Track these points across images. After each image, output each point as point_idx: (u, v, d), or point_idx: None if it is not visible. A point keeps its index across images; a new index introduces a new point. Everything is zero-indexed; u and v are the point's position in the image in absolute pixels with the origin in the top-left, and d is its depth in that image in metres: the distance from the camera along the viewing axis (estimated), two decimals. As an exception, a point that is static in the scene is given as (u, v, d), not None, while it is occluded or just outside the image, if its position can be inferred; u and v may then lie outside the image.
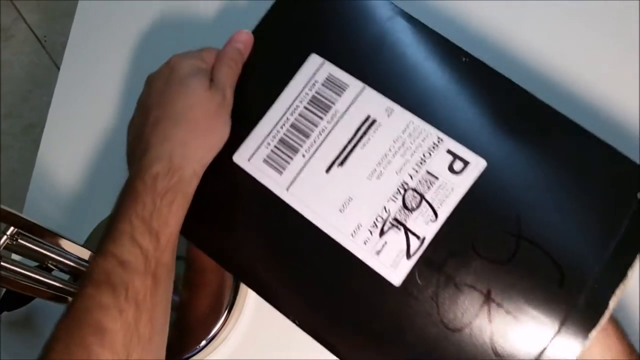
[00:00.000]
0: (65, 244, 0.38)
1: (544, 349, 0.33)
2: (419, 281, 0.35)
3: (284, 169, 0.39)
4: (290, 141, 0.39)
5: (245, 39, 0.42)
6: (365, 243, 0.36)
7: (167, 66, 0.41)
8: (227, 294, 0.47)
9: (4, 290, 0.46)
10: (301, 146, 0.39)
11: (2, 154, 1.28)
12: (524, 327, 0.33)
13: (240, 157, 0.40)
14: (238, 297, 0.47)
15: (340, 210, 0.37)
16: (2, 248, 0.34)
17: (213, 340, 0.46)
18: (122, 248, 0.34)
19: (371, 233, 0.36)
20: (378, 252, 0.36)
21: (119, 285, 0.33)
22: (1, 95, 1.32)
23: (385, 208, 0.37)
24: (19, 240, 0.35)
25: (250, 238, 0.39)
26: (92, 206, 0.53)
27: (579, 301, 0.33)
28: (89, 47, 0.59)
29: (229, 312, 0.46)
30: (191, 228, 0.38)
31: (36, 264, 0.41)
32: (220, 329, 0.46)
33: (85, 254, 0.40)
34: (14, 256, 0.40)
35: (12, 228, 0.35)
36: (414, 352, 0.35)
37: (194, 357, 0.46)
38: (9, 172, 1.27)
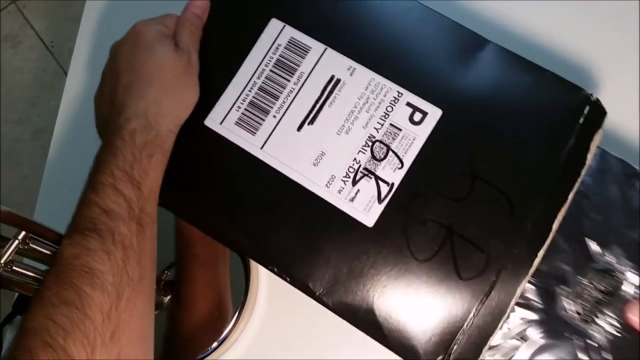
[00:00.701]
0: (76, 248, 0.38)
1: (500, 270, 0.37)
2: (389, 221, 0.39)
3: (256, 130, 0.41)
4: (261, 103, 0.42)
5: (201, 4, 0.44)
6: (339, 192, 0.40)
7: (132, 33, 0.43)
8: (229, 295, 0.47)
9: (17, 294, 0.46)
10: (271, 107, 0.41)
11: (12, 160, 1.29)
12: (482, 252, 0.37)
13: (212, 121, 0.42)
14: (248, 298, 0.47)
15: (314, 165, 0.40)
16: (14, 252, 0.34)
17: (224, 342, 0.46)
18: (105, 197, 0.35)
19: (344, 183, 0.40)
20: (352, 199, 0.39)
21: (105, 231, 0.34)
22: (10, 101, 1.33)
23: (355, 159, 0.40)
24: (31, 245, 0.35)
25: (227, 197, 0.41)
26: (101, 210, 0.53)
27: (526, 227, 0.37)
28: (95, 51, 0.59)
29: (240, 313, 0.46)
30: (166, 195, 0.39)
31: (48, 267, 0.41)
32: (232, 330, 0.46)
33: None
34: (26, 260, 0.40)
35: (23, 232, 0.35)
36: (389, 284, 0.38)
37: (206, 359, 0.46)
38: (20, 178, 1.28)
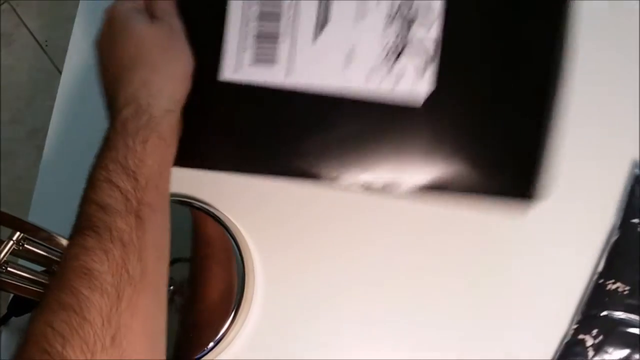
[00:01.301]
0: (71, 248, 0.38)
1: None
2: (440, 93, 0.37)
3: (274, 59, 0.39)
4: (266, 31, 0.39)
5: None
6: (381, 80, 0.38)
7: (105, 23, 0.41)
8: (235, 292, 0.47)
9: (12, 295, 0.46)
10: (278, 31, 0.39)
11: (6, 160, 1.29)
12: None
13: (227, 73, 0.40)
14: (245, 298, 0.47)
15: (346, 66, 0.38)
16: (8, 253, 0.34)
17: (220, 342, 0.46)
18: (100, 192, 0.34)
19: (383, 70, 0.38)
20: (397, 81, 0.38)
21: (102, 227, 0.33)
22: (4, 101, 1.32)
23: (385, 42, 0.38)
24: (25, 245, 0.35)
25: (276, 136, 0.39)
26: (97, 210, 0.53)
27: None
28: (89, 51, 0.59)
29: (236, 312, 0.46)
30: (219, 157, 0.39)
31: (43, 268, 0.41)
32: (227, 330, 0.46)
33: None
34: (21, 261, 0.40)
35: (18, 233, 0.35)
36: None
37: (203, 359, 0.46)
38: (15, 178, 1.28)
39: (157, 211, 0.36)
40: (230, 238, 0.49)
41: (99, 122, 0.56)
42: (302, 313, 0.48)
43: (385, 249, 0.48)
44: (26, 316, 0.47)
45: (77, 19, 0.60)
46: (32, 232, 0.35)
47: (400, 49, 0.37)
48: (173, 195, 0.52)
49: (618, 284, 0.43)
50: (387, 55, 0.38)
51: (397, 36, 0.37)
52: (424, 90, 0.37)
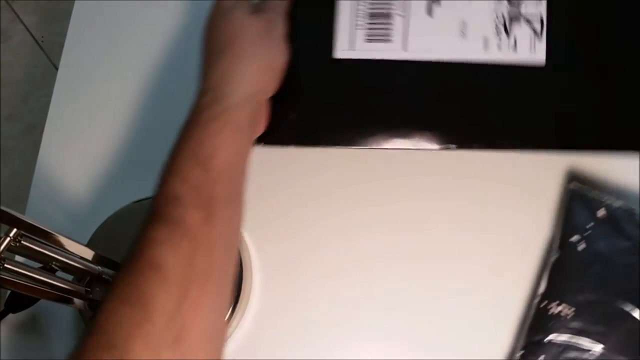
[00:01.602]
0: (69, 245, 0.38)
1: None
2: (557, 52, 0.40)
3: (389, 36, 0.42)
4: (379, 10, 0.41)
5: None
6: (499, 48, 0.41)
7: (213, 5, 0.42)
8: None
9: (9, 292, 0.46)
10: (392, 8, 0.41)
11: (3, 157, 1.28)
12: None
13: (342, 51, 0.42)
14: (241, 297, 0.47)
15: (462, 37, 0.41)
16: (5, 250, 0.34)
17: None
18: (172, 183, 0.33)
19: (499, 37, 0.41)
20: (514, 48, 0.41)
21: (172, 220, 0.32)
22: (1, 97, 1.32)
23: (496, 11, 0.41)
24: (22, 242, 0.35)
25: (405, 110, 0.42)
26: (94, 206, 0.53)
27: None
28: (86, 47, 0.59)
29: (233, 309, 0.46)
30: (349, 133, 0.41)
31: (40, 265, 0.41)
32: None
33: (88, 254, 0.40)
34: (18, 258, 0.40)
35: (15, 230, 0.34)
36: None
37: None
38: (11, 175, 1.27)
39: (230, 204, 0.35)
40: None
41: (95, 119, 0.57)
42: (300, 309, 0.48)
43: (385, 244, 0.48)
44: (24, 312, 0.47)
45: (73, 15, 0.60)
46: (29, 228, 0.35)
47: (510, 22, 0.41)
48: (170, 191, 0.52)
49: (562, 307, 0.41)
50: (498, 27, 0.41)
51: (508, 11, 0.41)
52: (540, 57, 0.41)
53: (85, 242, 0.50)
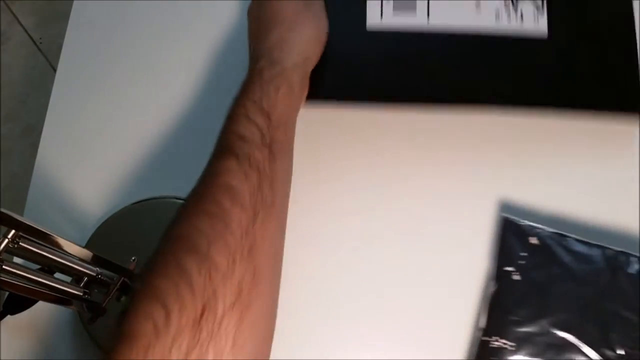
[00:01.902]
0: (67, 246, 0.38)
1: None
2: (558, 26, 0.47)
3: (414, 7, 0.48)
4: None
5: None
6: (508, 20, 0.47)
7: None
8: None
9: (7, 294, 0.46)
10: None
11: (2, 158, 1.28)
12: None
13: (373, 23, 0.48)
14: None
15: (477, 11, 0.48)
16: (3, 252, 0.34)
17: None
18: (240, 125, 0.38)
19: (508, 11, 0.47)
20: (521, 20, 0.47)
21: (242, 154, 0.37)
22: (0, 99, 1.31)
23: None
24: (21, 244, 0.35)
25: (428, 81, 0.48)
26: (92, 207, 0.53)
27: None
28: (84, 48, 0.59)
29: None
30: (367, 91, 0.48)
31: (38, 266, 0.41)
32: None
33: (87, 255, 0.40)
34: (16, 259, 0.40)
35: (13, 231, 0.34)
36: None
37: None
38: (10, 176, 1.27)
39: (285, 150, 0.40)
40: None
41: (93, 120, 0.57)
42: (300, 309, 0.48)
43: (385, 245, 0.48)
44: (22, 314, 0.47)
45: (71, 17, 0.60)
46: (28, 230, 0.35)
47: None
48: (170, 194, 0.52)
49: (502, 341, 0.41)
50: (507, 2, 0.48)
51: None
52: (543, 28, 0.47)
53: (84, 244, 0.50)
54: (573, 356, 0.40)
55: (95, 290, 0.42)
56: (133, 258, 0.43)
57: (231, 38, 0.57)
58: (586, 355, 0.40)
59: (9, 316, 0.47)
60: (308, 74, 0.44)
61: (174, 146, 0.54)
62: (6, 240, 0.34)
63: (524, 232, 0.43)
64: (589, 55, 0.47)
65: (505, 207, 0.47)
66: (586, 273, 0.41)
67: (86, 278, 0.41)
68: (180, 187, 0.52)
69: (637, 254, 0.42)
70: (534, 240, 0.43)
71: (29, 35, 1.36)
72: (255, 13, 0.46)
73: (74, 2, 0.60)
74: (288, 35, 0.43)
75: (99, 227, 0.51)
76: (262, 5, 0.46)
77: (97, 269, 0.41)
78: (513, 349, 0.41)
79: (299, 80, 0.42)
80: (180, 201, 0.50)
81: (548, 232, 0.43)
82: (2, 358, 0.49)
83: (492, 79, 0.48)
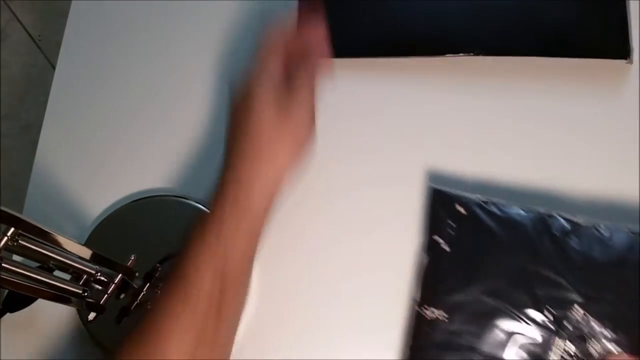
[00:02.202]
0: (66, 244, 0.38)
1: None
2: None
3: None
4: None
5: (321, 40, 0.44)
6: None
7: (241, 84, 0.42)
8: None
9: (6, 292, 0.46)
10: None
11: (1, 156, 1.28)
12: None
13: None
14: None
15: None
16: (2, 249, 0.34)
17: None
18: (198, 258, 0.37)
19: None
20: None
21: (192, 290, 0.37)
22: (0, 96, 1.31)
23: None
24: (20, 241, 0.35)
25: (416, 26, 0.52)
26: (92, 205, 0.53)
27: None
28: (83, 46, 0.59)
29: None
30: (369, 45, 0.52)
31: (37, 264, 0.41)
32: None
33: (86, 253, 0.40)
34: (15, 257, 0.40)
35: (12, 229, 0.34)
36: None
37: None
38: (9, 174, 1.27)
39: (238, 284, 0.39)
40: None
41: (92, 118, 0.57)
42: (299, 308, 0.48)
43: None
44: (21, 312, 0.47)
45: (70, 14, 0.60)
46: (27, 227, 0.35)
47: None
48: (169, 191, 0.52)
49: (436, 312, 0.41)
50: None
51: None
52: None
53: (83, 242, 0.50)
54: (504, 322, 0.40)
55: (94, 288, 0.42)
56: (132, 256, 0.43)
57: (230, 37, 0.57)
58: (517, 320, 0.40)
59: (8, 314, 0.47)
60: (274, 203, 0.41)
61: (173, 144, 0.54)
62: (5, 238, 0.34)
63: (451, 202, 0.43)
64: (577, 2, 0.50)
65: (434, 177, 0.47)
66: (512, 237, 0.41)
67: (85, 276, 0.41)
68: (179, 185, 0.53)
69: (561, 214, 0.42)
70: (461, 209, 0.43)
71: (28, 33, 1.36)
72: (232, 117, 0.42)
73: (73, 0, 0.60)
74: (259, 170, 0.39)
75: (98, 225, 0.51)
76: (243, 103, 0.41)
77: (97, 266, 0.41)
78: (446, 320, 0.41)
79: (264, 220, 0.40)
80: (179, 199, 0.51)
81: (474, 200, 0.43)
82: (1, 355, 0.49)
83: (479, 29, 0.51)
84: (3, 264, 0.34)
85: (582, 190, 0.48)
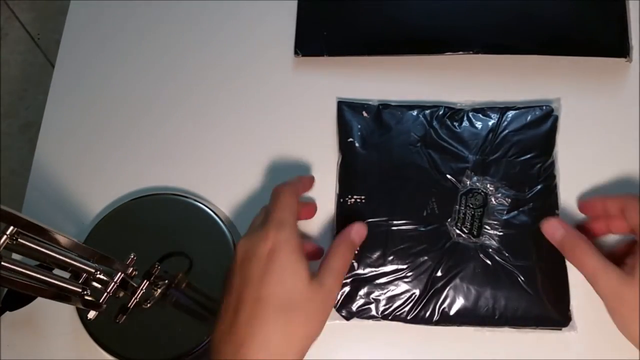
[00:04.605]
0: (66, 242, 0.38)
1: None
2: None
3: None
4: None
5: (361, 232, 0.44)
6: None
7: (264, 243, 0.39)
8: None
9: (5, 290, 0.46)
10: None
11: (0, 155, 1.28)
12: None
13: None
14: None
15: None
16: (2, 248, 0.34)
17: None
18: None
19: None
20: None
21: None
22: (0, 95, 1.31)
23: None
24: (19, 240, 0.35)
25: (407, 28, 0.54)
26: (91, 203, 0.53)
27: None
28: (82, 44, 0.59)
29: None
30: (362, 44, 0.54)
31: (37, 263, 0.41)
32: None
33: (86, 251, 0.40)
34: (15, 255, 0.40)
35: (11, 227, 0.34)
36: None
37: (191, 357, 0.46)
38: (8, 172, 1.27)
39: None
40: (226, 230, 0.49)
41: (91, 116, 0.56)
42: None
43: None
44: (21, 311, 0.47)
45: (69, 12, 0.60)
46: (26, 226, 0.35)
47: None
48: (168, 190, 0.52)
49: (355, 197, 0.48)
50: None
51: None
52: None
53: (83, 240, 0.50)
54: (415, 191, 0.48)
55: (94, 287, 0.42)
56: (132, 254, 0.43)
57: (229, 36, 0.57)
58: (425, 189, 0.48)
59: (8, 312, 0.47)
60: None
61: (173, 143, 0.54)
62: (5, 237, 0.34)
63: (357, 108, 0.51)
64: (577, 1, 0.51)
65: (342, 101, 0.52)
66: (409, 129, 0.50)
67: (85, 274, 0.41)
68: (179, 183, 0.53)
69: (444, 104, 0.51)
70: (365, 114, 0.51)
71: (26, 31, 1.36)
72: (259, 283, 0.38)
73: (72, -1, 0.60)
74: (288, 340, 0.37)
75: (98, 224, 0.51)
76: (266, 282, 0.38)
77: (96, 265, 0.41)
78: (364, 200, 0.48)
79: None
80: (179, 197, 0.51)
81: (374, 103, 0.51)
82: (1, 354, 0.49)
83: (479, 27, 0.51)
84: (3, 263, 0.34)
85: (583, 189, 0.48)
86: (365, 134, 0.50)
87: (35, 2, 1.36)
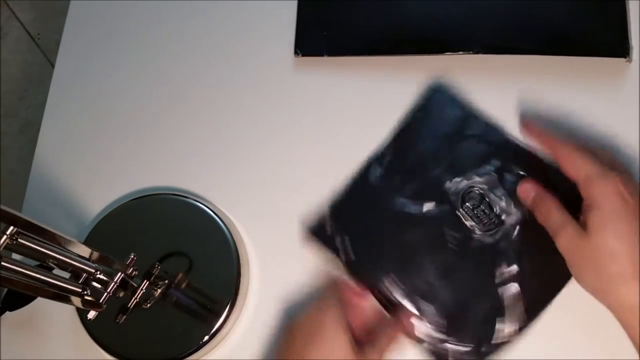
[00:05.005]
0: (66, 242, 0.38)
1: None
2: None
3: None
4: None
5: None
6: None
7: (317, 316, 0.42)
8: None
9: (5, 290, 0.46)
10: None
11: (0, 155, 1.28)
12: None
13: None
14: (239, 293, 0.47)
15: None
16: (2, 248, 0.34)
17: (215, 336, 0.46)
18: None
19: None
20: None
21: None
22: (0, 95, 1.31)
23: None
24: (19, 240, 0.35)
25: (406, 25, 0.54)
26: (91, 203, 0.53)
27: None
28: (82, 44, 0.59)
29: (232, 306, 0.46)
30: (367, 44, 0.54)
31: (37, 263, 0.41)
32: (222, 325, 0.46)
33: (85, 252, 0.40)
34: (15, 255, 0.40)
35: (11, 227, 0.34)
36: None
37: (192, 357, 0.46)
38: (8, 172, 1.27)
39: None
40: (226, 230, 0.49)
41: (91, 116, 0.56)
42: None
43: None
44: (21, 311, 0.47)
45: (69, 12, 0.60)
46: (26, 226, 0.35)
47: None
48: (168, 190, 0.52)
49: None
50: None
51: None
52: None
53: (83, 240, 0.50)
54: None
55: (94, 287, 0.42)
56: (132, 254, 0.43)
57: (229, 36, 0.57)
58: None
59: (8, 312, 0.47)
60: None
61: (173, 143, 0.54)
62: (5, 237, 0.34)
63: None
64: (577, 1, 0.51)
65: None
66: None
67: (85, 274, 0.41)
68: (179, 183, 0.53)
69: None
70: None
71: (26, 31, 1.35)
72: (301, 352, 0.41)
73: (72, -1, 0.60)
74: None
75: (98, 224, 0.51)
76: (309, 352, 0.40)
77: (96, 265, 0.41)
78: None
79: None
80: (179, 197, 0.51)
81: None
82: (1, 354, 0.49)
83: (479, 27, 0.51)
84: (3, 263, 0.34)
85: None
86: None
87: (35, 2, 1.36)
